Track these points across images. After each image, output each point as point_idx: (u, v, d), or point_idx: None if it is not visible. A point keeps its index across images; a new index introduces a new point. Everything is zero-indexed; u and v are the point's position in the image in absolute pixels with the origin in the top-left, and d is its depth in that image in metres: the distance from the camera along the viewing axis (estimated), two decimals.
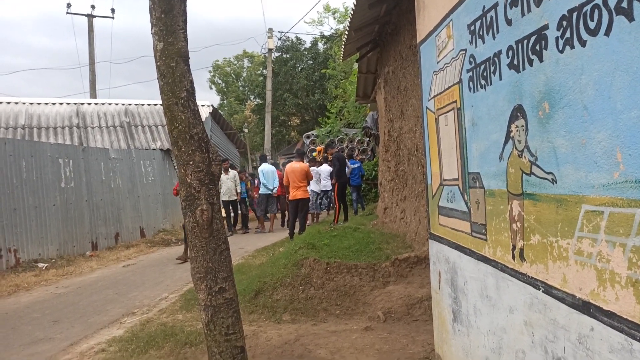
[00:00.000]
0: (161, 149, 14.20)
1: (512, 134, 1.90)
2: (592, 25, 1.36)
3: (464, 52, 2.32)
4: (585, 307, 1.49)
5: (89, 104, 15.94)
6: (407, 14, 5.76)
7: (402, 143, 7.02)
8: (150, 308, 5.79)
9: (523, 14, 1.73)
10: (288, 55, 31.96)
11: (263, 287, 5.36)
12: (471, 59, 2.23)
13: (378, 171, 10.80)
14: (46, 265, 8.93)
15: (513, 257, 1.96)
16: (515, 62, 1.82)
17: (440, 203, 2.92)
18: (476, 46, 2.17)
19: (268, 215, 13.13)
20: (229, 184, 12.03)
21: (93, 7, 20.30)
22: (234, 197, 12.26)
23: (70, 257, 9.88)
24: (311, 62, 31.36)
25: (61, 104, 15.50)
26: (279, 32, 30.67)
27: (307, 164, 10.98)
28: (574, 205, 1.51)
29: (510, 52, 1.85)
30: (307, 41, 32.45)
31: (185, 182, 2.93)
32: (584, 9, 1.38)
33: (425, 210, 5.23)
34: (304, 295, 5.17)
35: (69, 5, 19.54)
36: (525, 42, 1.73)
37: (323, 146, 15.69)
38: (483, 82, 2.12)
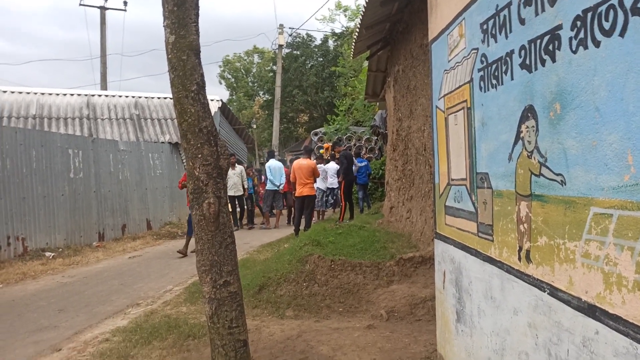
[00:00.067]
0: (170, 142, 14.26)
1: (522, 135, 1.89)
2: (606, 25, 1.34)
3: (475, 51, 2.31)
4: (591, 310, 1.48)
5: (100, 95, 16.03)
6: (419, 12, 5.74)
7: (410, 142, 7.00)
8: (155, 300, 5.82)
9: (537, 14, 1.72)
10: (298, 52, 31.97)
11: (267, 283, 5.38)
12: (483, 58, 2.22)
13: (385, 170, 10.78)
14: (53, 254, 9.01)
15: (519, 259, 1.95)
16: (528, 62, 1.81)
17: (447, 203, 2.91)
18: (488, 45, 2.16)
19: (274, 211, 13.15)
20: (235, 179, 12.04)
21: None
22: (240, 192, 12.27)
23: (77, 247, 9.96)
24: (321, 59, 31.35)
25: (72, 95, 15.59)
26: (289, 28, 30.68)
27: (315, 161, 10.98)
28: (583, 207, 1.50)
29: (523, 52, 1.84)
30: (318, 38, 32.47)
31: (193, 175, 2.95)
32: (599, 9, 1.36)
33: (432, 210, 5.21)
34: (307, 292, 5.18)
35: None
36: (538, 42, 1.72)
37: (330, 144, 15.70)
38: (494, 81, 2.11)
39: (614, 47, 1.33)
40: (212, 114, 3.09)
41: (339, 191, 11.62)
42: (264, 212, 13.18)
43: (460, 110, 2.59)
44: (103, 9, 20.35)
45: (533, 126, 1.79)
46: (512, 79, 1.95)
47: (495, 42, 2.08)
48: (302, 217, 9.65)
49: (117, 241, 11.02)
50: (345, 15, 27.80)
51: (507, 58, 1.97)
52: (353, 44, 8.00)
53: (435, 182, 3.19)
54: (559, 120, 1.62)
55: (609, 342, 1.39)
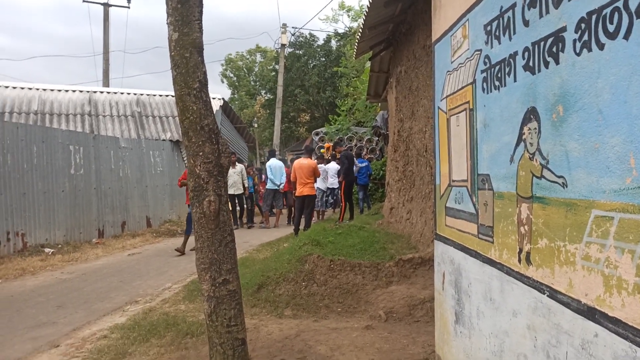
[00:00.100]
0: (171, 140, 14.27)
1: (524, 137, 1.88)
2: (611, 28, 1.34)
3: (479, 52, 2.30)
4: (590, 313, 1.47)
5: (102, 92, 16.04)
6: (423, 13, 5.74)
7: (412, 143, 7.00)
8: (154, 297, 5.82)
9: (541, 15, 1.72)
10: (301, 52, 31.97)
11: (266, 282, 5.38)
12: (486, 60, 2.22)
13: (386, 171, 10.78)
14: (52, 250, 9.01)
15: (519, 261, 1.95)
16: (531, 63, 1.80)
17: (448, 204, 2.91)
18: (492, 47, 2.15)
19: (274, 210, 13.15)
20: (235, 177, 12.02)
21: None
22: (240, 191, 12.25)
23: (77, 243, 9.96)
24: (324, 59, 31.36)
25: (74, 91, 15.60)
26: (292, 27, 30.73)
27: (316, 161, 10.98)
28: (584, 210, 1.50)
29: (526, 54, 1.84)
30: (321, 38, 32.47)
31: (194, 172, 2.95)
32: (604, 12, 1.36)
33: (432, 211, 5.21)
34: (306, 291, 5.18)
35: None
36: (542, 43, 1.72)
37: (331, 143, 15.70)
38: (497, 83, 2.11)
39: (618, 50, 1.32)
40: (214, 112, 3.09)
41: (339, 191, 11.63)
42: (264, 211, 13.18)
43: (462, 111, 2.59)
44: (106, 5, 20.36)
45: (535, 128, 1.79)
46: (515, 80, 1.94)
47: (499, 43, 2.08)
48: (302, 216, 9.65)
49: (116, 238, 11.03)
50: (349, 16, 27.84)
51: (511, 60, 1.97)
52: (356, 44, 8.00)
53: (436, 183, 3.18)
54: (561, 123, 1.62)
55: (608, 345, 1.39)
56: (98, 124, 14.55)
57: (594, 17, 1.41)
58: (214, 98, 15.61)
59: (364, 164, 12.41)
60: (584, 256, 1.50)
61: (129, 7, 20.93)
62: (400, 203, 7.90)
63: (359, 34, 7.37)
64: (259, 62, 42.11)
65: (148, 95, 16.15)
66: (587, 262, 1.49)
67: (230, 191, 11.85)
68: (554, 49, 1.64)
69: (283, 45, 23.44)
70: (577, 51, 1.51)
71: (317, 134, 18.86)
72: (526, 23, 1.83)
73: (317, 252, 5.68)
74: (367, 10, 6.17)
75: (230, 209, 11.32)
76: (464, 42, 2.53)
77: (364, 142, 17.05)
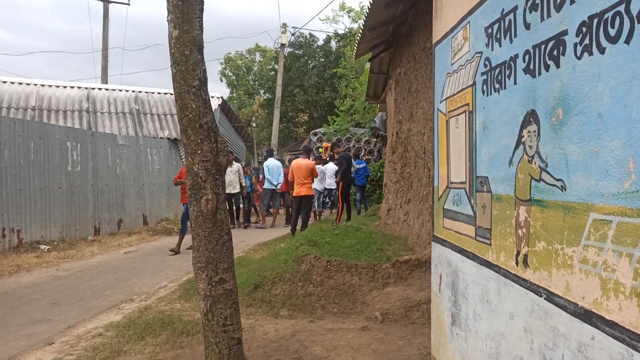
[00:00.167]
0: (169, 138, 14.25)
1: (523, 139, 1.89)
2: (612, 32, 1.34)
3: (479, 54, 2.31)
4: (587, 316, 1.48)
5: (100, 89, 15.99)
6: (423, 15, 5.75)
7: (410, 145, 7.01)
8: (149, 296, 5.81)
9: (542, 19, 1.72)
10: (300, 52, 31.98)
11: (262, 281, 5.37)
12: (486, 62, 2.22)
13: (383, 172, 10.79)
14: (48, 247, 8.98)
15: (516, 263, 1.95)
16: (532, 66, 1.81)
17: (446, 206, 2.91)
18: (492, 49, 2.16)
19: (271, 210, 13.14)
20: (231, 176, 11.90)
21: None
22: (236, 190, 12.17)
23: (73, 240, 9.93)
24: (323, 59, 31.37)
25: (72, 87, 15.56)
26: (292, 27, 30.73)
27: (314, 161, 10.98)
28: (582, 213, 1.50)
29: (527, 57, 1.84)
30: (320, 39, 32.49)
31: (192, 170, 2.94)
32: (605, 16, 1.37)
33: (429, 213, 5.21)
34: (302, 292, 5.17)
35: None
36: (543, 47, 1.72)
37: (329, 143, 15.71)
38: (497, 85, 2.11)
39: (618, 54, 1.33)
40: (213, 111, 3.08)
41: (336, 192, 11.63)
42: (261, 211, 13.15)
43: (461, 113, 2.59)
44: (106, 2, 20.31)
45: (535, 131, 1.79)
46: (515, 83, 1.95)
47: (500, 46, 2.08)
48: (299, 216, 9.64)
49: (112, 236, 11.00)
50: (349, 17, 27.88)
51: (511, 62, 1.97)
52: (356, 45, 8.01)
53: (434, 184, 3.19)
54: (561, 126, 1.62)
55: (605, 348, 1.39)
56: (96, 120, 14.52)
57: (595, 21, 1.42)
58: (212, 97, 15.60)
59: (361, 165, 12.42)
60: (582, 259, 1.51)
61: (128, 4, 20.89)
62: (398, 205, 7.90)
63: (359, 34, 7.37)
64: (258, 61, 42.11)
65: (146, 92, 16.12)
66: (585, 266, 1.49)
67: (227, 190, 11.81)
68: (555, 52, 1.64)
69: (283, 45, 23.44)
70: (578, 55, 1.51)
71: (315, 134, 18.86)
72: (527, 26, 1.84)
73: (313, 252, 5.67)
74: (367, 11, 6.18)
75: (227, 208, 11.33)
76: (464, 44, 2.53)
77: (362, 143, 17.06)
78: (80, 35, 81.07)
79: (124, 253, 9.05)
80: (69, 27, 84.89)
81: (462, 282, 2.63)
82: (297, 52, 32.03)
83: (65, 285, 6.37)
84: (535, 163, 1.79)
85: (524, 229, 1.89)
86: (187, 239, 8.02)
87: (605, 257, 1.39)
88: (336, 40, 30.67)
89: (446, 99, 2.86)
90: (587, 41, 1.46)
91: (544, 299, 1.73)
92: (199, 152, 2.92)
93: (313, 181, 9.99)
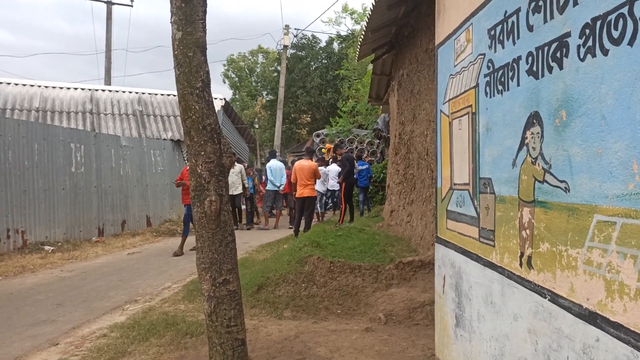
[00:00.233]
0: (172, 139, 14.27)
1: (526, 141, 1.89)
2: (615, 34, 1.35)
3: (482, 56, 2.31)
4: (592, 318, 1.48)
5: (103, 90, 16.05)
6: (426, 17, 5.75)
7: (413, 146, 7.00)
8: (153, 297, 5.82)
9: (545, 21, 1.73)
10: (303, 53, 31.99)
11: (266, 283, 5.37)
12: (489, 64, 2.22)
13: (386, 173, 10.79)
14: (52, 248, 9.01)
15: (520, 265, 1.95)
16: (535, 68, 1.81)
17: (449, 207, 2.91)
18: (495, 51, 2.16)
19: (274, 211, 13.14)
20: (233, 177, 11.85)
21: None
22: (238, 192, 12.14)
23: (77, 241, 9.96)
24: (325, 61, 31.38)
25: (76, 89, 15.61)
26: (295, 29, 30.66)
27: (316, 163, 10.99)
28: (586, 214, 1.50)
29: (530, 59, 1.84)
30: (323, 40, 32.52)
31: (196, 172, 2.95)
32: (609, 18, 1.37)
33: (432, 214, 5.21)
34: (306, 293, 5.18)
35: None
36: (546, 49, 1.72)
37: (332, 145, 15.71)
38: (500, 87, 2.11)
39: (622, 56, 1.33)
40: (216, 112, 3.09)
41: (339, 193, 11.63)
42: (264, 212, 13.15)
43: (464, 115, 2.59)
44: (109, 3, 20.39)
45: (538, 132, 1.79)
46: (518, 85, 1.95)
47: (503, 48, 2.08)
48: (302, 218, 9.65)
49: (116, 237, 11.02)
50: (352, 18, 27.87)
51: (514, 64, 1.98)
52: (358, 46, 8.01)
53: (437, 186, 3.19)
54: (564, 128, 1.62)
55: (610, 350, 1.39)
56: (99, 122, 14.56)
57: (598, 23, 1.42)
58: (215, 98, 15.63)
59: (364, 167, 12.41)
60: (586, 261, 1.51)
61: (131, 6, 20.95)
62: (401, 206, 7.90)
63: (362, 36, 7.38)
64: (260, 63, 42.19)
65: (150, 94, 16.16)
66: (589, 267, 1.49)
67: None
68: (558, 54, 1.65)
69: (285, 47, 23.47)
70: (581, 57, 1.51)
71: (318, 135, 18.87)
72: (530, 28, 1.84)
73: (317, 253, 5.68)
74: (370, 12, 6.18)
75: (231, 209, 11.32)
76: (467, 46, 2.53)
77: (364, 145, 17.06)
78: (83, 36, 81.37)
79: (127, 254, 9.07)
80: (71, 28, 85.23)
81: (465, 284, 2.63)
82: (299, 53, 32.04)
83: (69, 286, 6.39)
84: (538, 164, 1.79)
85: (527, 231, 1.89)
86: (190, 240, 8.04)
87: (610, 259, 1.39)
88: (339, 42, 30.69)
89: (449, 100, 2.86)
90: (590, 43, 1.47)
91: (548, 300, 1.73)
92: (203, 153, 2.93)
93: (315, 182, 10.00)
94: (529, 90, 1.86)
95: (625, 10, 1.30)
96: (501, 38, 2.09)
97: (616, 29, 1.34)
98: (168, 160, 13.81)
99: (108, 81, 20.03)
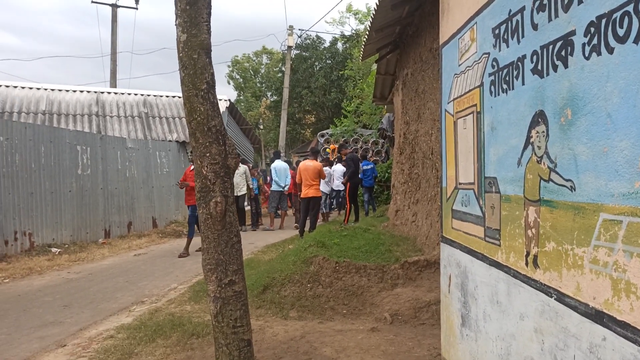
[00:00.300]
0: (177, 141, 14.32)
1: (532, 140, 1.88)
2: (620, 32, 1.34)
3: (487, 55, 2.31)
4: (598, 317, 1.47)
5: (109, 93, 16.13)
6: (430, 16, 5.74)
7: (417, 146, 6.99)
8: (159, 298, 5.84)
9: (550, 19, 1.72)
10: (307, 54, 32.01)
11: (271, 283, 5.38)
12: (494, 63, 2.22)
13: (391, 173, 10.77)
14: (59, 250, 9.06)
15: (526, 264, 1.95)
16: (540, 67, 1.80)
17: (454, 207, 2.91)
18: (500, 50, 2.16)
19: (279, 212, 13.14)
20: (237, 178, 11.81)
21: None
22: (242, 192, 12.13)
23: (83, 243, 10.01)
24: (330, 61, 31.38)
25: (82, 91, 15.70)
26: (299, 29, 30.72)
27: (321, 163, 10.99)
28: (592, 213, 1.50)
29: (535, 57, 1.84)
30: (327, 40, 32.51)
31: (201, 173, 2.96)
32: (614, 16, 1.36)
33: (437, 214, 5.20)
34: (311, 293, 5.18)
35: None
36: (551, 47, 1.72)
37: (336, 145, 15.70)
38: (505, 86, 2.11)
39: (627, 54, 1.32)
40: (221, 114, 3.10)
41: (344, 193, 11.63)
42: (269, 213, 13.16)
43: (469, 114, 2.59)
44: (114, 6, 20.50)
45: (543, 131, 1.79)
46: (523, 84, 1.95)
47: (507, 46, 2.08)
48: (307, 218, 9.65)
49: (122, 238, 11.07)
50: (356, 18, 27.85)
51: (519, 63, 1.97)
52: (363, 46, 8.01)
53: (442, 185, 3.18)
54: (569, 126, 1.62)
55: (617, 349, 1.38)
56: (105, 124, 14.63)
57: (603, 21, 1.41)
58: (220, 99, 15.67)
59: (369, 166, 12.40)
60: (592, 260, 1.50)
61: (136, 8, 21.07)
62: (406, 205, 7.89)
63: (366, 36, 7.37)
64: (265, 64, 42.26)
65: (155, 96, 16.23)
66: (595, 266, 1.49)
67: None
68: (563, 53, 1.64)
69: (290, 47, 23.50)
70: (586, 55, 1.51)
71: (322, 135, 18.88)
72: (535, 27, 1.84)
73: (322, 254, 5.68)
74: (374, 12, 6.18)
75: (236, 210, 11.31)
76: (471, 45, 2.53)
77: (369, 144, 17.05)
78: (89, 39, 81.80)
79: (134, 255, 9.11)
80: (77, 31, 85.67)
81: (471, 283, 2.62)
82: (304, 54, 32.07)
83: (76, 288, 6.43)
84: (544, 163, 1.79)
85: (533, 230, 1.89)
86: (196, 241, 8.07)
87: (616, 258, 1.39)
88: (343, 42, 30.68)
89: (454, 99, 2.86)
90: (595, 41, 1.46)
91: (555, 299, 1.73)
92: (208, 155, 2.93)
93: (320, 183, 10.00)
94: (534, 89, 1.85)
95: (630, 8, 1.30)
96: (506, 37, 2.09)
97: (621, 27, 1.34)
98: (173, 162, 13.85)
99: (114, 83, 20.14)
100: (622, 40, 1.34)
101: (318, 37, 32.30)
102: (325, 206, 12.14)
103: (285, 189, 12.47)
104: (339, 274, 5.35)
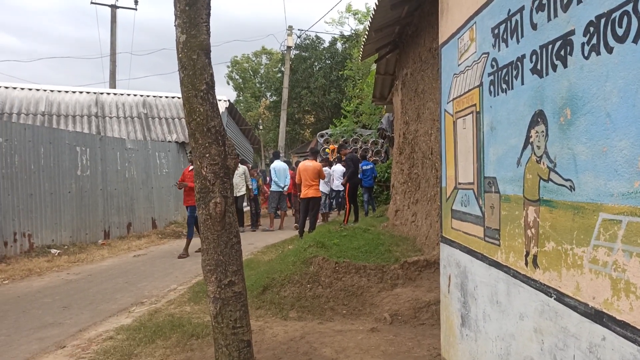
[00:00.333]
0: (177, 142, 14.31)
1: (531, 140, 1.88)
2: (620, 32, 1.34)
3: (486, 55, 2.31)
4: (598, 316, 1.47)
5: (108, 93, 16.11)
6: (429, 16, 5.74)
7: (417, 146, 6.99)
8: (159, 298, 5.84)
9: (549, 19, 1.72)
10: (307, 54, 32.02)
11: (271, 284, 5.38)
12: (493, 63, 2.22)
13: (391, 173, 10.77)
14: (59, 251, 9.05)
15: (526, 264, 1.95)
16: (539, 67, 1.80)
17: (454, 207, 2.91)
18: (499, 50, 2.16)
19: (278, 212, 13.14)
20: (236, 179, 11.78)
21: None
22: (241, 193, 12.11)
23: (83, 244, 10.01)
24: (329, 61, 31.39)
25: (81, 92, 15.69)
26: (298, 30, 30.75)
27: (321, 163, 10.99)
28: (592, 213, 1.50)
29: (534, 57, 1.84)
30: (326, 40, 32.53)
31: (201, 174, 2.96)
32: (613, 15, 1.36)
33: (437, 214, 5.20)
34: (311, 294, 5.18)
35: None
36: (550, 47, 1.72)
37: (336, 145, 15.70)
38: (504, 86, 2.11)
39: (626, 54, 1.32)
40: (220, 114, 3.10)
41: (344, 193, 11.63)
42: (269, 213, 13.15)
43: (469, 114, 2.59)
44: (114, 7, 20.50)
45: (543, 131, 1.79)
46: (522, 83, 1.95)
47: (506, 46, 2.08)
48: (307, 218, 9.65)
49: (122, 239, 11.07)
50: (355, 18, 27.85)
51: (518, 63, 1.97)
52: (362, 46, 8.01)
53: (442, 185, 3.18)
54: (569, 126, 1.62)
55: (616, 349, 1.38)
56: (104, 125, 14.62)
57: (602, 20, 1.41)
58: (219, 100, 15.67)
59: (369, 166, 12.40)
60: (592, 259, 1.50)
61: (136, 9, 21.07)
62: (406, 205, 7.89)
63: (365, 36, 7.38)
64: (264, 64, 42.27)
65: (154, 96, 16.22)
66: (595, 266, 1.49)
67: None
68: (562, 53, 1.64)
69: (289, 48, 23.50)
70: (586, 54, 1.51)
71: (322, 135, 18.88)
72: (534, 26, 1.83)
73: (322, 254, 5.68)
74: (373, 12, 6.18)
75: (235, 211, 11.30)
76: (471, 45, 2.53)
77: (369, 144, 17.05)
78: (88, 40, 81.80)
79: (133, 256, 9.10)
80: (76, 32, 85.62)
81: (471, 283, 2.62)
82: (303, 54, 32.08)
83: (76, 289, 6.42)
84: (543, 163, 1.79)
85: (533, 230, 1.88)
86: (196, 241, 8.07)
87: (616, 257, 1.39)
88: (342, 42, 30.69)
89: (453, 99, 2.86)
90: (594, 41, 1.46)
91: (554, 299, 1.73)
92: (207, 155, 2.93)
93: (320, 183, 10.00)
94: (534, 88, 1.85)
95: (629, 7, 1.30)
96: (505, 37, 2.09)
97: (620, 26, 1.34)
98: (173, 163, 13.85)
99: (113, 84, 20.13)
100: (621, 39, 1.34)
101: (317, 37, 32.36)
102: (324, 206, 12.13)
103: (285, 189, 12.46)
104: (338, 275, 5.35)
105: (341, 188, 11.98)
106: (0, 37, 78.87)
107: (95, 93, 15.81)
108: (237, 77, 42.61)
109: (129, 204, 11.90)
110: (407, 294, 4.94)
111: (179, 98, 15.54)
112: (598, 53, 1.45)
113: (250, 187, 12.51)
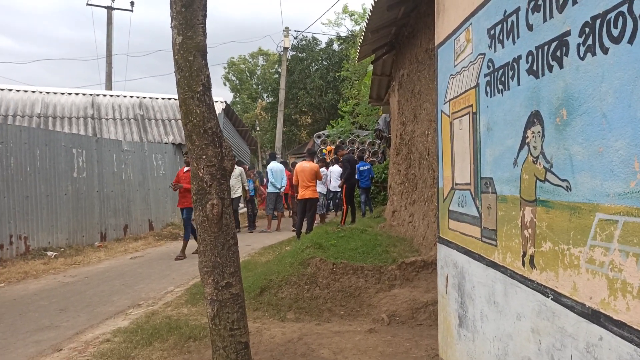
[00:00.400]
0: (173, 143, 14.28)
1: (527, 140, 1.89)
2: (615, 32, 1.35)
3: (482, 56, 2.31)
4: (595, 316, 1.47)
5: (104, 95, 16.08)
6: (425, 17, 5.75)
7: (414, 146, 7.00)
8: (156, 301, 5.82)
9: (545, 20, 1.73)
10: (303, 55, 32.03)
11: (268, 285, 5.37)
12: (489, 64, 2.22)
13: (388, 174, 10.78)
14: (55, 253, 9.02)
15: (523, 264, 1.95)
16: (535, 67, 1.81)
17: (451, 207, 2.91)
18: (495, 51, 2.16)
19: (275, 213, 13.13)
20: (232, 181, 11.68)
21: None
22: (237, 195, 12.08)
23: (79, 246, 9.98)
24: (326, 62, 31.41)
25: (77, 94, 15.65)
26: (295, 31, 30.75)
27: (318, 164, 10.99)
28: (588, 213, 1.50)
29: (530, 58, 1.84)
30: (323, 42, 32.56)
31: (197, 176, 2.95)
32: (608, 16, 1.37)
33: (435, 214, 5.21)
34: (309, 295, 5.17)
35: None
36: (546, 47, 1.72)
37: (333, 146, 15.70)
38: (500, 86, 2.11)
39: (622, 54, 1.33)
40: (217, 116, 3.09)
41: (341, 194, 11.63)
42: (266, 215, 13.14)
43: (465, 115, 2.59)
44: (110, 9, 20.45)
45: (539, 132, 1.79)
46: (518, 84, 1.95)
47: (503, 47, 2.08)
48: (304, 219, 9.65)
49: (119, 241, 11.04)
50: (352, 19, 27.89)
51: (514, 63, 1.98)
52: (359, 47, 8.02)
53: (439, 186, 3.19)
54: (565, 126, 1.62)
55: (613, 348, 1.39)
56: (101, 127, 14.58)
57: (598, 21, 1.42)
58: (216, 101, 15.64)
59: (366, 167, 12.41)
60: (588, 259, 1.51)
61: (132, 11, 21.01)
62: (403, 206, 7.90)
63: (362, 37, 7.38)
64: (261, 65, 42.26)
65: (151, 98, 16.19)
66: (592, 266, 1.49)
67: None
68: (558, 53, 1.65)
69: (285, 49, 23.51)
70: (581, 55, 1.51)
71: (319, 136, 18.87)
72: (530, 27, 1.84)
73: (319, 255, 5.67)
74: (370, 13, 6.19)
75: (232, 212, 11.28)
76: (467, 45, 2.53)
77: (366, 145, 17.06)
78: (84, 42, 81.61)
79: (130, 258, 9.08)
80: (72, 34, 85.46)
81: (468, 284, 2.63)
82: (300, 55, 32.09)
83: (72, 292, 6.40)
84: (540, 164, 1.79)
85: (529, 230, 1.89)
86: (193, 243, 8.05)
87: (612, 257, 1.39)
88: (339, 43, 30.73)
89: (450, 100, 2.86)
90: (590, 42, 1.47)
91: (551, 299, 1.73)
92: (204, 157, 2.93)
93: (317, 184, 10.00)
94: (530, 89, 1.86)
95: (624, 8, 1.30)
96: (501, 37, 2.10)
97: (616, 27, 1.34)
98: (169, 164, 13.82)
99: (109, 86, 20.07)
100: (616, 40, 1.35)
101: (314, 38, 32.38)
102: (322, 207, 12.13)
103: (282, 190, 12.46)
104: (336, 276, 5.34)
105: (338, 189, 11.98)
106: None
107: (91, 95, 15.77)
108: (233, 78, 42.60)
109: (125, 205, 11.87)
110: (404, 294, 4.95)
111: (175, 100, 15.51)
112: (594, 54, 1.45)
113: (246, 188, 12.49)
